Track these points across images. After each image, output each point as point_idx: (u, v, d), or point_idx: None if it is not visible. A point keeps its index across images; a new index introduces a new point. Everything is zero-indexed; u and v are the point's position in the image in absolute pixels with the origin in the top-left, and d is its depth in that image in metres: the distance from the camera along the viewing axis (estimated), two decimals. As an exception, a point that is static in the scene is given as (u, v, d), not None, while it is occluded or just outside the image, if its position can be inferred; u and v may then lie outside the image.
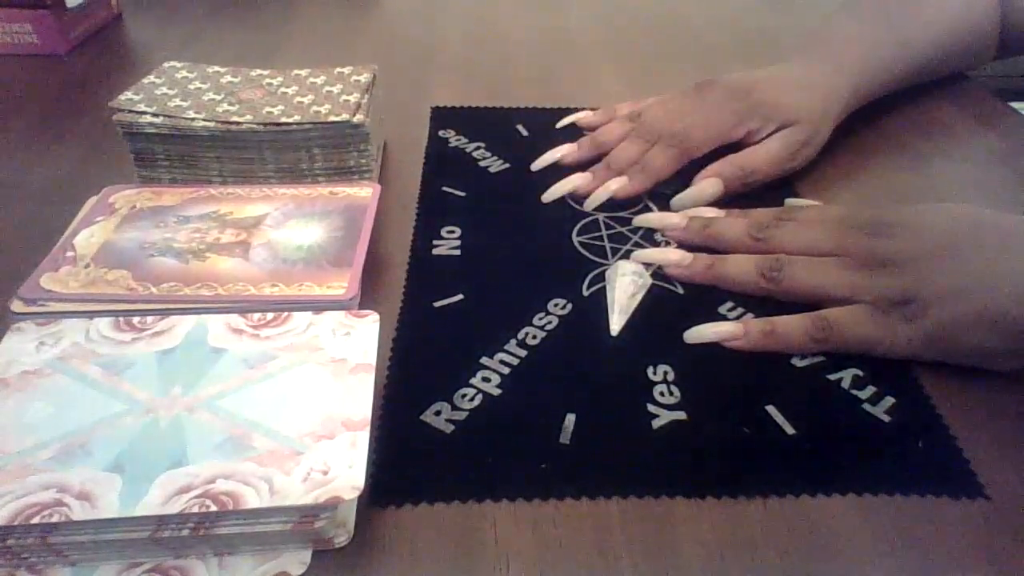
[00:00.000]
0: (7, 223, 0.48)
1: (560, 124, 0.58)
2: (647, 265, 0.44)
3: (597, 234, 0.47)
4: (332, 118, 0.47)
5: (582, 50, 0.74)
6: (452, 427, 0.34)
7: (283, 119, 0.47)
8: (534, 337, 0.39)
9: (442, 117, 0.60)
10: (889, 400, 0.36)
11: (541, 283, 0.43)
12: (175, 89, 0.49)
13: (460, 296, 0.42)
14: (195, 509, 0.27)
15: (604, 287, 0.43)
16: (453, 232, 0.47)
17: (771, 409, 0.36)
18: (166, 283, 0.38)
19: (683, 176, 0.50)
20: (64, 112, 0.60)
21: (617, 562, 0.30)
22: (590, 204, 0.49)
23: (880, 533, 0.31)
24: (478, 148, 0.56)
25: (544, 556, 0.30)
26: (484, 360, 0.38)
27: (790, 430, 0.35)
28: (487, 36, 0.77)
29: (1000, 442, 0.35)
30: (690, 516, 0.31)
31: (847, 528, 0.31)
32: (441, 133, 0.58)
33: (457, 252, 0.46)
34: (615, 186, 0.49)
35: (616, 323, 0.40)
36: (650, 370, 0.38)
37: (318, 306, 0.37)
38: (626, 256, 0.45)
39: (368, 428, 0.31)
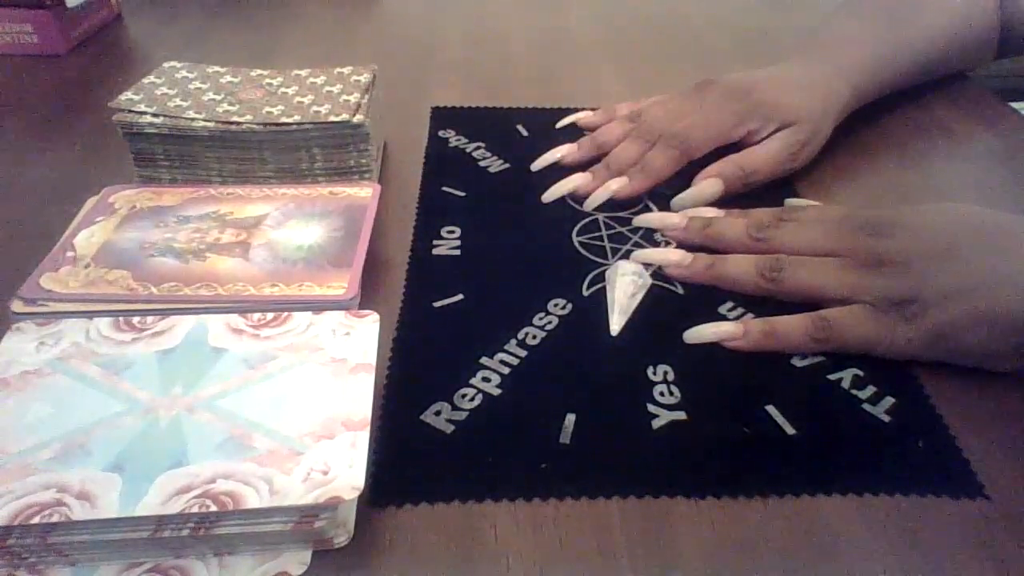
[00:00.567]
0: (7, 223, 0.48)
1: (560, 124, 0.58)
2: (647, 265, 0.44)
3: (597, 234, 0.47)
4: (332, 118, 0.47)
5: (582, 50, 0.74)
6: (452, 427, 0.34)
7: (283, 119, 0.47)
8: (534, 337, 0.39)
9: (442, 117, 0.60)
10: (889, 400, 0.36)
11: (541, 283, 0.43)
12: (175, 89, 0.49)
13: (460, 296, 0.42)
14: (195, 509, 0.27)
15: (604, 287, 0.43)
16: (453, 232, 0.47)
17: (771, 409, 0.36)
18: (166, 283, 0.38)
19: (683, 176, 0.50)
20: (64, 112, 0.60)
21: (617, 562, 0.30)
22: (590, 204, 0.49)
23: (880, 533, 0.31)
24: (478, 148, 0.56)
25: (544, 556, 0.30)
26: (484, 360, 0.38)
27: (790, 430, 0.35)
28: (487, 36, 0.77)
29: (1000, 442, 0.35)
30: (690, 516, 0.31)
31: (847, 528, 0.31)
32: (441, 133, 0.58)
33: (457, 252, 0.46)
34: (615, 186, 0.49)
35: (616, 323, 0.40)
36: (650, 370, 0.38)
37: (318, 306, 0.37)
38: (626, 256, 0.45)
39: (368, 428, 0.31)
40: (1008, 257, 0.37)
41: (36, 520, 0.27)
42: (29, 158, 0.54)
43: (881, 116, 0.60)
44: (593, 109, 0.58)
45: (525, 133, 0.58)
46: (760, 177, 0.50)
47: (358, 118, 0.47)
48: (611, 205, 0.50)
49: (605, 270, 0.44)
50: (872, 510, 0.32)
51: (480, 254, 0.46)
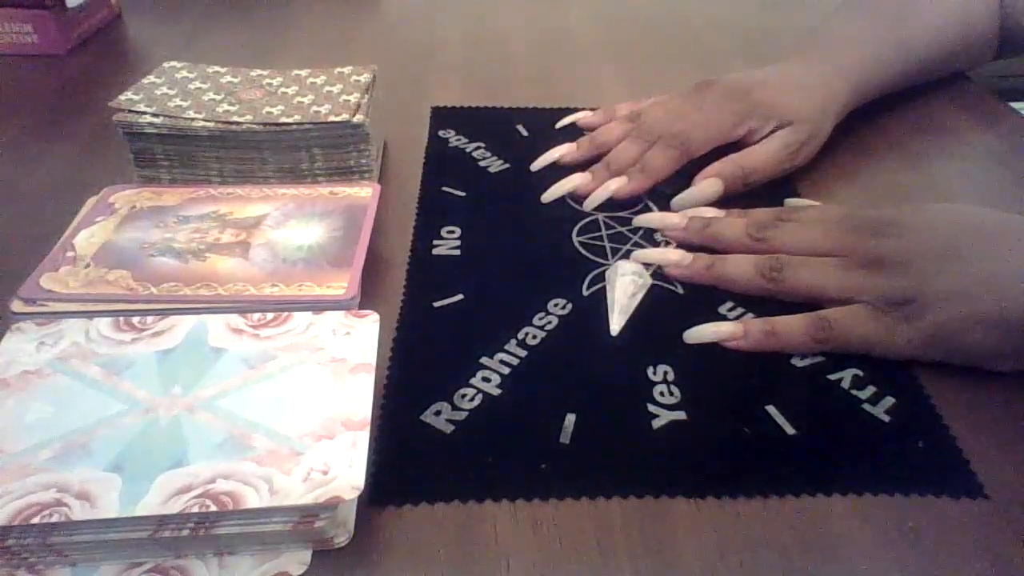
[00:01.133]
0: (7, 223, 0.48)
1: (559, 124, 0.58)
2: (647, 265, 0.44)
3: (597, 234, 0.47)
4: (332, 118, 0.47)
5: (582, 50, 0.74)
6: (452, 427, 0.34)
7: (283, 119, 0.47)
8: (534, 337, 0.39)
9: (442, 117, 0.60)
10: (889, 400, 0.36)
11: (541, 283, 0.43)
12: (175, 89, 0.49)
13: (460, 296, 0.42)
14: (195, 509, 0.27)
15: (604, 287, 0.43)
16: (453, 232, 0.47)
17: (771, 409, 0.36)
18: (166, 283, 0.38)
19: (683, 176, 0.50)
20: (64, 112, 0.60)
21: (617, 562, 0.30)
22: (589, 204, 0.49)
23: (880, 533, 0.31)
24: (478, 148, 0.56)
25: (544, 556, 0.30)
26: (484, 360, 0.38)
27: (790, 430, 0.35)
28: (487, 36, 0.77)
29: (1000, 442, 0.35)
30: (690, 516, 0.31)
31: (847, 528, 0.31)
32: (441, 133, 0.58)
33: (457, 252, 0.46)
34: (614, 186, 0.49)
35: (616, 323, 0.40)
36: (650, 370, 0.38)
37: (318, 306, 0.37)
38: (626, 256, 0.45)
39: (368, 428, 0.31)
40: (1008, 257, 0.37)
41: (36, 520, 0.27)
42: (29, 158, 0.54)
43: (881, 116, 0.60)
44: (593, 109, 0.58)
45: (525, 133, 0.58)
46: (760, 176, 0.50)
47: (358, 118, 0.47)
48: (611, 205, 0.50)
49: (605, 270, 0.44)
50: (872, 510, 0.32)
51: (480, 254, 0.46)
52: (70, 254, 0.40)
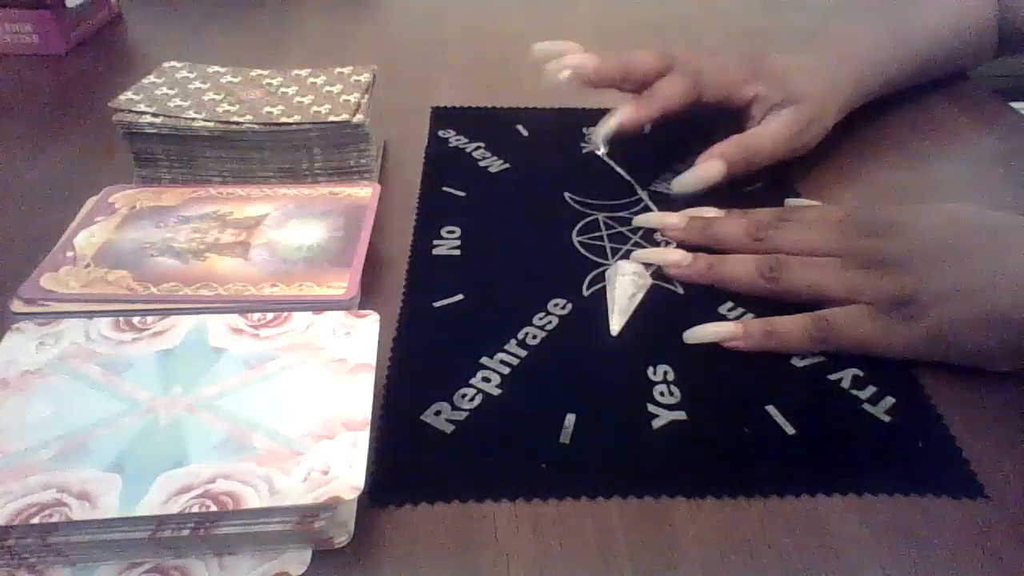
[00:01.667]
0: (7, 223, 0.48)
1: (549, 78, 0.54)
2: (647, 265, 0.44)
3: (597, 234, 0.47)
4: (332, 118, 0.47)
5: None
6: (452, 427, 0.34)
7: (283, 119, 0.47)
8: (534, 337, 0.39)
9: (442, 117, 0.60)
10: (889, 400, 0.36)
11: (541, 283, 0.43)
12: (175, 89, 0.49)
13: (460, 296, 0.42)
14: (195, 509, 0.27)
15: (604, 287, 0.43)
16: (453, 232, 0.47)
17: (771, 409, 0.36)
18: (166, 283, 0.38)
19: (686, 165, 0.49)
20: (64, 112, 0.60)
21: (617, 562, 0.30)
22: (596, 136, 0.49)
23: (880, 533, 0.31)
24: (478, 148, 0.56)
25: (544, 556, 0.30)
26: (484, 360, 0.38)
27: (790, 430, 0.35)
28: (487, 36, 0.77)
29: (1000, 442, 0.35)
30: (690, 516, 0.31)
31: (847, 528, 0.31)
32: (441, 133, 0.58)
33: (457, 252, 0.46)
34: (624, 112, 0.49)
35: (616, 323, 0.40)
36: (650, 370, 0.38)
37: (318, 306, 0.37)
38: (626, 256, 0.45)
39: (368, 428, 0.31)
40: (1008, 257, 0.37)
41: (36, 520, 0.27)
42: (29, 158, 0.54)
43: (881, 116, 0.60)
44: (595, 111, 0.58)
45: (525, 133, 0.58)
46: (763, 158, 0.49)
47: (358, 118, 0.47)
48: (611, 205, 0.50)
49: (605, 270, 0.44)
50: (872, 510, 0.32)
51: (480, 254, 0.46)
52: (70, 254, 0.40)
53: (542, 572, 0.29)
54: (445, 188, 0.52)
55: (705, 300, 0.42)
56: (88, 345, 0.34)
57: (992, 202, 0.52)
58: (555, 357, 0.38)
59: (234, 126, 0.46)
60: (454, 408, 0.35)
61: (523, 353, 0.38)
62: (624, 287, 0.42)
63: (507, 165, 0.54)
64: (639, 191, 0.51)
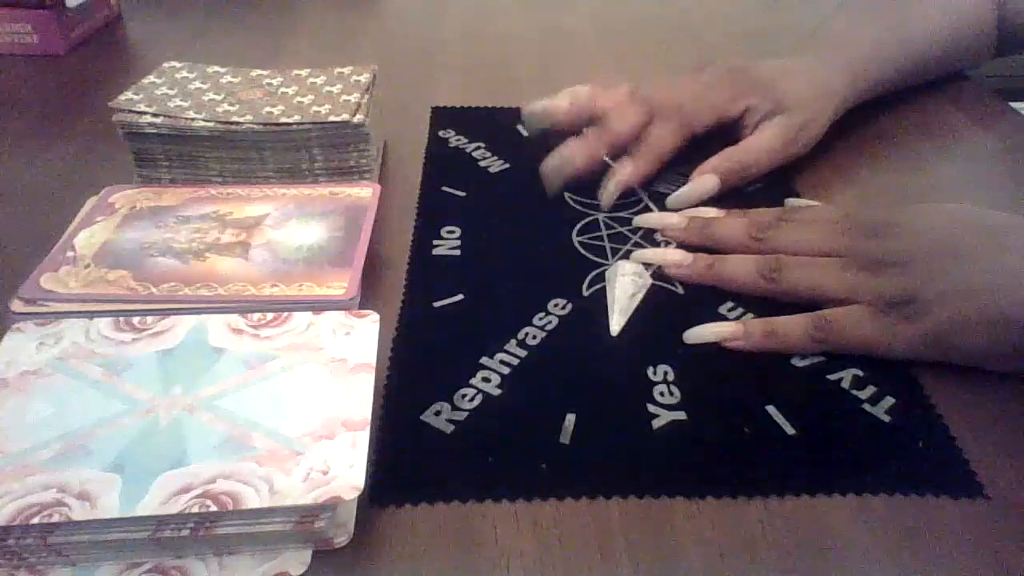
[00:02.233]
0: (7, 223, 0.48)
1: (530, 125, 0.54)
2: (647, 265, 0.44)
3: (597, 234, 0.47)
4: (332, 118, 0.47)
5: (582, 50, 0.74)
6: (452, 427, 0.34)
7: (283, 119, 0.47)
8: (534, 337, 0.39)
9: (442, 117, 0.60)
10: (889, 400, 0.36)
11: (541, 283, 0.43)
12: (175, 89, 0.49)
13: (460, 296, 0.42)
14: (195, 509, 0.27)
15: (604, 287, 0.43)
16: (453, 232, 0.47)
17: (771, 409, 0.36)
18: (166, 283, 0.38)
19: (682, 176, 0.50)
20: (64, 112, 0.60)
21: (617, 562, 0.30)
22: (606, 199, 0.49)
23: (880, 533, 0.31)
24: (478, 148, 0.56)
25: (544, 556, 0.30)
26: (484, 360, 0.38)
27: (790, 430, 0.35)
28: (487, 36, 0.77)
29: (1000, 442, 0.35)
30: (690, 516, 0.31)
31: (847, 528, 0.31)
32: (441, 133, 0.58)
33: (457, 252, 0.46)
34: (624, 171, 0.49)
35: (616, 323, 0.40)
36: (650, 370, 0.38)
37: (318, 306, 0.37)
38: (626, 256, 0.45)
39: (368, 428, 0.31)
40: (1008, 257, 0.37)
41: (36, 520, 0.27)
42: (29, 158, 0.54)
43: (881, 116, 0.60)
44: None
45: (525, 133, 0.58)
46: (757, 170, 0.50)
47: (358, 118, 0.47)
48: (612, 205, 0.49)
49: (605, 270, 0.44)
50: (872, 510, 0.32)
51: (480, 254, 0.46)
52: (70, 254, 0.40)
53: (542, 572, 0.29)
54: (445, 188, 0.52)
55: (705, 300, 0.42)
56: (88, 345, 0.34)
57: (992, 202, 0.52)
58: (555, 357, 0.38)
59: (234, 126, 0.46)
60: (454, 408, 0.35)
61: (523, 353, 0.38)
62: (624, 287, 0.42)
63: (507, 165, 0.54)
64: (639, 191, 0.51)
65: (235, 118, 0.47)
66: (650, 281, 0.43)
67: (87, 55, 0.70)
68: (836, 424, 0.35)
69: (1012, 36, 0.63)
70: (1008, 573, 0.30)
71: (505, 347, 0.39)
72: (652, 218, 0.48)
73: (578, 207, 0.50)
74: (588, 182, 0.50)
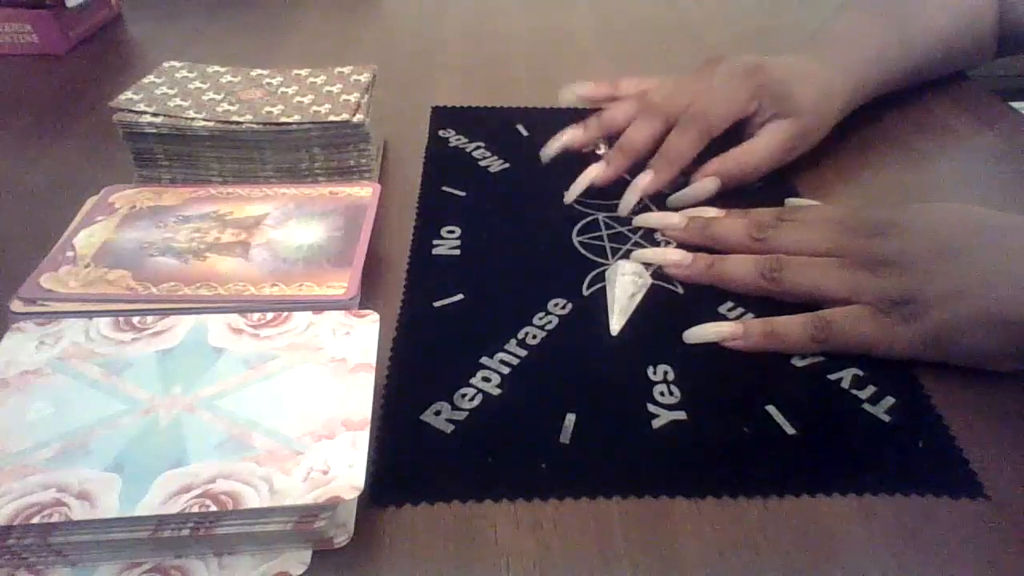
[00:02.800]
0: (7, 223, 0.48)
1: (562, 100, 0.56)
2: (647, 265, 0.44)
3: (597, 234, 0.47)
4: (332, 118, 0.47)
5: (582, 50, 0.74)
6: (452, 427, 0.34)
7: (283, 119, 0.47)
8: (534, 337, 0.39)
9: (442, 117, 0.60)
10: (889, 400, 0.36)
11: (541, 283, 0.43)
12: (175, 89, 0.49)
13: (460, 296, 0.42)
14: (195, 509, 0.27)
15: (604, 287, 0.43)
16: (453, 232, 0.47)
17: (771, 409, 0.36)
18: (166, 283, 0.38)
19: (683, 176, 0.50)
20: (64, 112, 0.60)
21: (617, 562, 0.30)
22: (624, 208, 0.49)
23: (880, 533, 0.31)
24: (478, 148, 0.56)
25: (544, 556, 0.30)
26: (484, 360, 0.38)
27: (790, 430, 0.35)
28: (487, 36, 0.77)
29: (1000, 442, 0.35)
30: (690, 516, 0.31)
31: (847, 528, 0.31)
32: (441, 133, 0.58)
33: (457, 252, 0.46)
34: (643, 183, 0.49)
35: (616, 323, 0.40)
36: (650, 370, 0.38)
37: (318, 306, 0.37)
38: (626, 256, 0.45)
39: (368, 428, 0.31)
40: (1008, 257, 0.37)
41: (36, 520, 0.27)
42: (29, 158, 0.54)
43: (881, 116, 0.60)
44: (594, 111, 0.58)
45: (525, 133, 0.58)
46: (757, 173, 0.50)
47: (358, 118, 0.47)
48: (612, 205, 0.49)
49: (605, 270, 0.44)
50: (872, 510, 0.32)
51: (480, 254, 0.46)
52: (70, 254, 0.40)
53: (542, 572, 0.29)
54: (445, 188, 0.51)
55: (705, 300, 0.42)
56: (88, 345, 0.34)
57: (992, 202, 0.52)
58: (555, 357, 0.38)
59: (234, 126, 0.46)
60: (454, 408, 0.35)
61: (523, 353, 0.38)
62: (624, 287, 0.42)
63: (507, 165, 0.54)
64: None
65: (235, 118, 0.46)
66: (650, 281, 0.43)
67: (87, 55, 0.70)
68: (836, 424, 0.35)
69: (1012, 36, 0.63)
70: (1008, 573, 0.30)
71: (505, 347, 0.39)
72: (652, 218, 0.48)
73: (578, 207, 0.50)
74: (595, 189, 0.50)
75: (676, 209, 0.49)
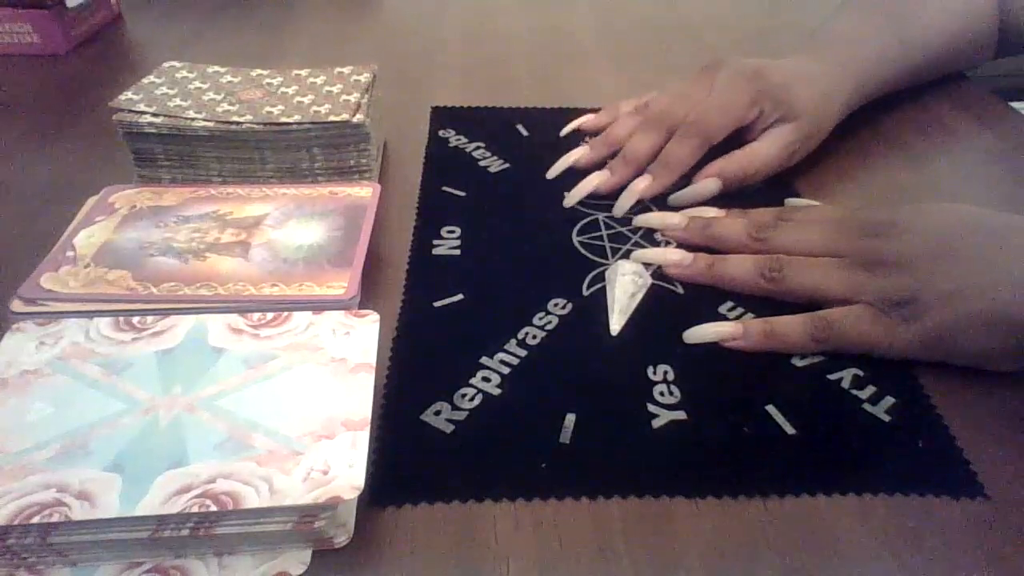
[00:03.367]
0: (7, 223, 0.48)
1: (564, 132, 0.57)
2: (647, 265, 0.44)
3: (597, 234, 0.47)
4: (332, 118, 0.47)
5: (582, 50, 0.74)
6: (452, 427, 0.34)
7: (283, 119, 0.47)
8: (534, 337, 0.39)
9: (442, 117, 0.60)
10: (889, 400, 0.36)
11: (541, 283, 0.43)
12: (175, 89, 0.49)
13: (460, 296, 0.42)
14: (195, 509, 0.27)
15: (604, 287, 0.43)
16: (453, 232, 0.47)
17: (771, 409, 0.36)
18: (166, 283, 0.38)
19: (684, 176, 0.50)
20: (64, 112, 0.60)
21: (617, 562, 0.30)
22: (619, 209, 0.49)
23: (880, 533, 0.31)
24: (478, 148, 0.56)
25: (544, 556, 0.30)
26: (484, 360, 0.38)
27: (790, 430, 0.35)
28: (487, 36, 0.77)
29: (1000, 442, 0.35)
30: (690, 516, 0.31)
31: (847, 528, 0.31)
32: (441, 133, 0.58)
33: (457, 252, 0.46)
34: (641, 187, 0.49)
35: (616, 323, 0.40)
36: (650, 370, 0.38)
37: (318, 306, 0.37)
38: (626, 256, 0.45)
39: (368, 428, 0.31)
40: (1008, 257, 0.37)
41: (36, 520, 0.27)
42: (29, 158, 0.54)
43: (881, 116, 0.60)
44: (595, 111, 0.58)
45: (525, 133, 0.58)
46: (759, 176, 0.50)
47: (358, 118, 0.47)
48: (612, 205, 0.49)
49: (605, 270, 0.44)
50: (872, 510, 0.32)
51: (480, 254, 0.46)
52: (70, 254, 0.40)
53: (542, 572, 0.29)
54: (445, 188, 0.51)
55: (705, 300, 0.42)
56: (88, 345, 0.34)
57: (992, 202, 0.52)
58: (555, 357, 0.38)
59: (234, 126, 0.46)
60: (454, 408, 0.35)
61: (523, 353, 0.38)
62: (624, 287, 0.42)
63: (507, 165, 0.54)
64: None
65: (235, 118, 0.47)
66: (650, 281, 0.43)
67: (87, 55, 0.70)
68: (836, 424, 0.35)
69: (1012, 36, 0.63)
70: (1008, 573, 0.30)
71: (505, 347, 0.39)
72: (652, 218, 0.48)
73: (578, 207, 0.50)
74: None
75: (677, 209, 0.49)
